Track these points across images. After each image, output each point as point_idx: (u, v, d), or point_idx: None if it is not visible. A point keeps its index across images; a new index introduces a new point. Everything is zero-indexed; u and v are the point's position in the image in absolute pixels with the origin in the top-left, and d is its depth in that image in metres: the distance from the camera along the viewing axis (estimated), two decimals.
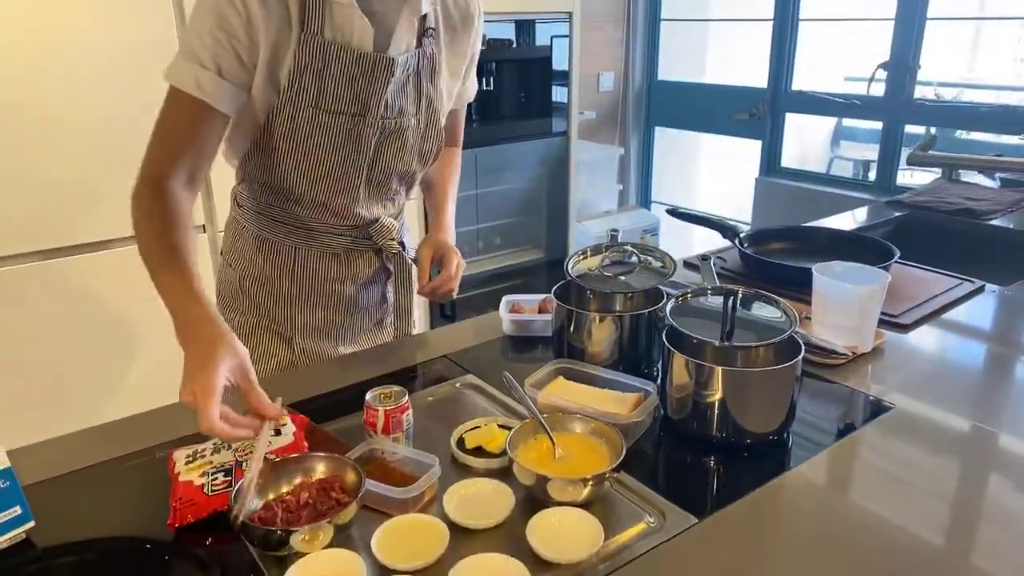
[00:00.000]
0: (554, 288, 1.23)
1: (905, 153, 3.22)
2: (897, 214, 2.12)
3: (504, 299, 1.36)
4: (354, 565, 0.73)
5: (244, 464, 0.87)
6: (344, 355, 1.32)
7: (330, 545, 0.77)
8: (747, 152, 3.79)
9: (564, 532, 0.79)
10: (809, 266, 1.25)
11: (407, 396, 0.96)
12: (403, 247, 1.32)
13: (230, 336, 0.87)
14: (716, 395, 0.97)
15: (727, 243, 1.70)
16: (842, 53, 3.91)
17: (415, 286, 1.36)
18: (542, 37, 2.99)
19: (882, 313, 1.35)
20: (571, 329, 1.18)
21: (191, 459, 0.88)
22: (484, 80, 2.83)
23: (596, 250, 1.31)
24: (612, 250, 1.31)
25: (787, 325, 1.03)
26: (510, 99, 2.97)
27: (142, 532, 0.82)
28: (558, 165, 3.12)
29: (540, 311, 1.35)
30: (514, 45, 2.97)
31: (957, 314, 1.40)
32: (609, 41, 3.99)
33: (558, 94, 3.10)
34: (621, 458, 0.86)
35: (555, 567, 0.75)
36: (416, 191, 1.38)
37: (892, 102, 3.09)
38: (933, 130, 3.37)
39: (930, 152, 2.05)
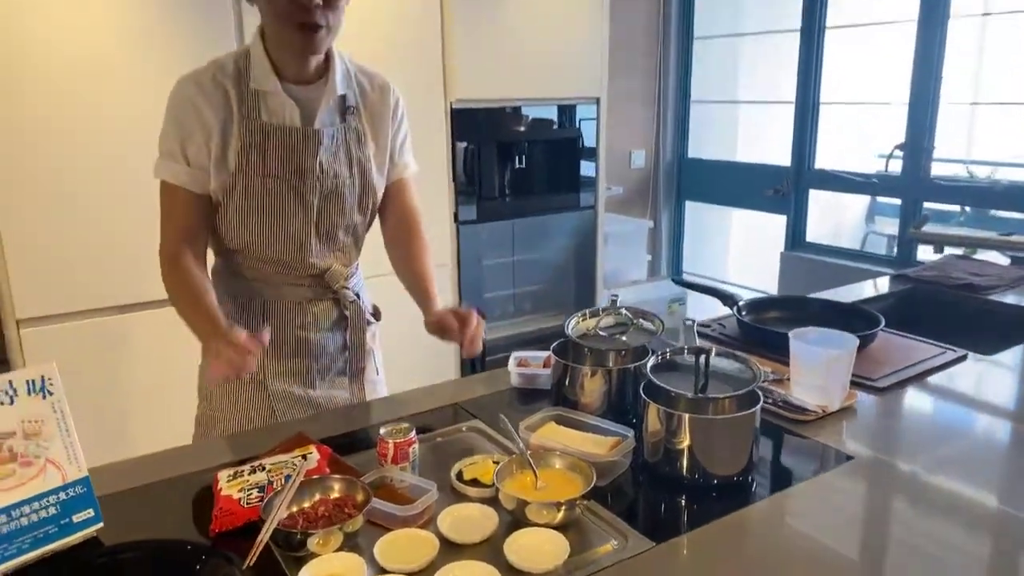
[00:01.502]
0: (553, 345, 1.39)
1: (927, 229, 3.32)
2: (902, 287, 2.23)
3: (513, 355, 1.53)
4: (358, 565, 0.89)
5: (273, 480, 1.04)
6: (370, 401, 1.49)
7: (340, 549, 0.93)
8: (777, 226, 3.93)
9: (536, 547, 0.93)
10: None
11: (414, 432, 1.12)
12: (358, 297, 1.51)
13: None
14: (684, 440, 1.10)
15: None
16: (871, 131, 4.06)
17: (372, 335, 1.56)
18: (575, 118, 3.22)
19: (860, 376, 1.47)
20: (566, 382, 1.34)
21: (232, 478, 1.06)
22: (517, 158, 3.06)
23: (594, 313, 1.47)
24: (608, 312, 1.47)
25: (752, 380, 1.17)
26: (543, 175, 3.19)
27: (189, 536, 0.99)
28: (587, 236, 3.31)
29: (545, 366, 1.50)
30: (555, 126, 3.20)
31: (934, 379, 1.51)
32: (641, 120, 4.22)
33: (589, 170, 3.31)
34: (590, 487, 1.00)
35: (521, 573, 0.89)
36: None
37: (909, 180, 3.22)
38: (968, 209, 3.46)
39: (924, 230, 2.17)
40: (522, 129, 3.04)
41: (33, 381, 0.97)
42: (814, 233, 3.78)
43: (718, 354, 1.25)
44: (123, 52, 2.22)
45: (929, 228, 2.45)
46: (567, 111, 3.15)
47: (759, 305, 1.87)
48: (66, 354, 2.22)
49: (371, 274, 1.63)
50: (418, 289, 1.50)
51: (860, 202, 4.74)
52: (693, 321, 1.40)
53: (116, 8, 2.19)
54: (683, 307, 3.91)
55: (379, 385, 1.61)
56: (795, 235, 3.72)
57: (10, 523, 0.94)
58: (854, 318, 1.73)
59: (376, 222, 1.55)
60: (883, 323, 1.67)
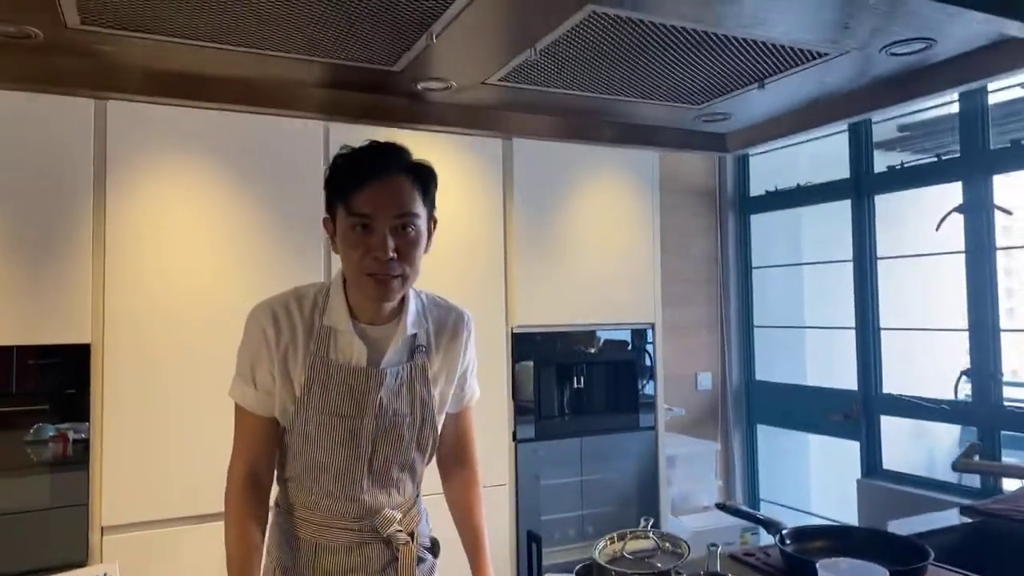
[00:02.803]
0: (577, 568, 1.43)
1: (1011, 457, 3.17)
2: (969, 520, 2.13)
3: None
4: None
5: None
6: None
7: None
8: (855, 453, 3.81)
9: None
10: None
11: None
12: (412, 537, 1.49)
13: None
14: None
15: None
16: (942, 356, 4.02)
17: (431, 568, 1.55)
18: (633, 341, 3.39)
19: None
20: None
21: None
22: (576, 378, 3.21)
23: (622, 536, 1.51)
24: (637, 536, 1.51)
25: None
26: (602, 396, 3.31)
27: None
28: (649, 458, 3.32)
29: None
30: (613, 349, 3.37)
31: None
32: (705, 344, 4.35)
33: (650, 390, 3.40)
34: None
35: None
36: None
37: (978, 407, 3.14)
38: None
39: (974, 459, 2.12)
40: (581, 351, 3.22)
41: None
42: (904, 460, 3.64)
43: None
44: (222, 287, 2.59)
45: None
46: (624, 334, 3.33)
47: (805, 534, 1.83)
48: (142, 559, 2.37)
49: (432, 491, 1.65)
50: (471, 549, 1.56)
51: (953, 429, 4.56)
52: (717, 546, 1.42)
53: (225, 249, 2.60)
54: (756, 536, 3.73)
55: None
56: (870, 462, 3.60)
57: None
58: (904, 551, 1.68)
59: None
60: (931, 557, 1.61)
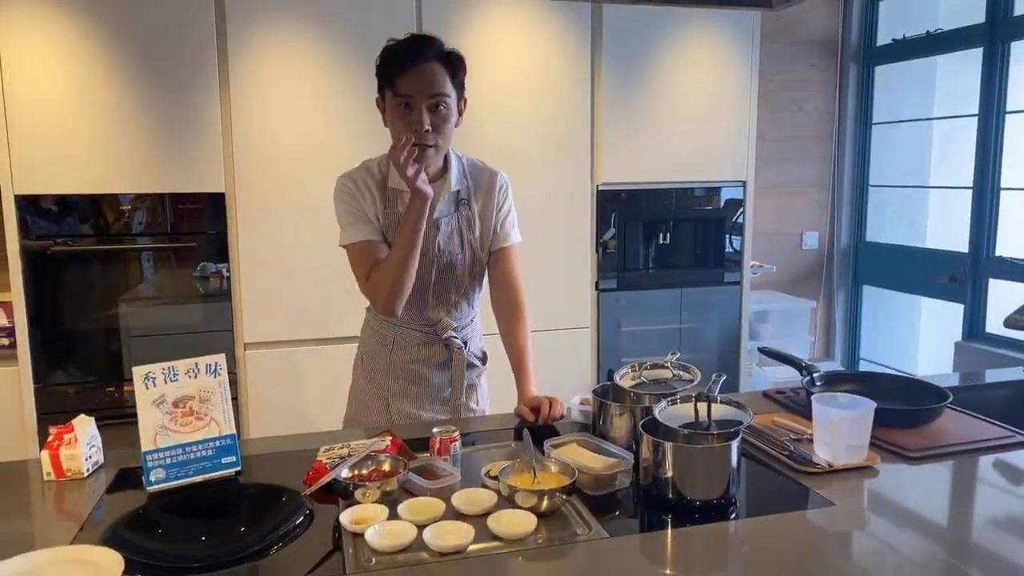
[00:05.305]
0: (595, 387, 1.66)
1: None
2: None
3: (577, 394, 1.81)
4: (381, 512, 1.24)
5: (351, 454, 1.43)
6: (465, 418, 1.86)
7: (376, 502, 1.29)
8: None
9: (509, 520, 1.22)
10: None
11: (457, 433, 1.46)
12: (465, 344, 1.87)
13: None
14: (667, 469, 1.32)
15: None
16: None
17: (479, 375, 1.93)
18: (722, 198, 3.43)
19: (895, 445, 1.56)
20: (600, 418, 1.60)
21: (327, 450, 1.47)
22: (661, 234, 3.33)
23: (642, 365, 1.72)
24: (658, 366, 1.72)
25: (742, 422, 1.36)
26: (687, 251, 3.42)
27: (290, 485, 1.41)
28: (730, 312, 3.45)
29: None
30: (701, 206, 3.43)
31: (976, 460, 1.53)
32: (814, 203, 4.27)
33: (739, 247, 3.46)
34: (565, 486, 1.27)
35: (496, 536, 1.19)
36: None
37: None
38: None
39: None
40: (667, 208, 3.32)
41: (209, 364, 1.47)
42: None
43: (724, 402, 1.46)
44: (330, 139, 2.89)
45: None
46: (714, 191, 3.37)
47: (835, 377, 1.96)
48: (275, 368, 2.88)
49: (488, 331, 1.99)
50: (516, 368, 1.88)
51: None
52: (722, 375, 1.59)
53: (330, 107, 2.89)
54: None
55: (480, 414, 1.97)
56: (972, 325, 3.53)
57: (185, 454, 1.42)
58: (921, 394, 1.79)
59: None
60: (949, 399, 1.71)
